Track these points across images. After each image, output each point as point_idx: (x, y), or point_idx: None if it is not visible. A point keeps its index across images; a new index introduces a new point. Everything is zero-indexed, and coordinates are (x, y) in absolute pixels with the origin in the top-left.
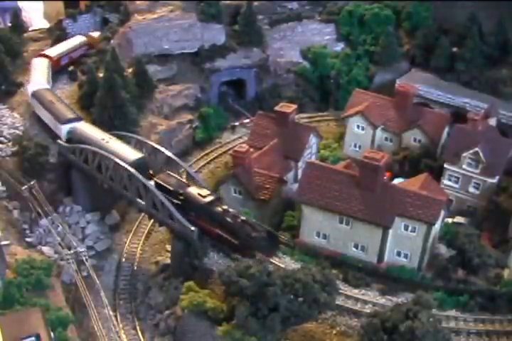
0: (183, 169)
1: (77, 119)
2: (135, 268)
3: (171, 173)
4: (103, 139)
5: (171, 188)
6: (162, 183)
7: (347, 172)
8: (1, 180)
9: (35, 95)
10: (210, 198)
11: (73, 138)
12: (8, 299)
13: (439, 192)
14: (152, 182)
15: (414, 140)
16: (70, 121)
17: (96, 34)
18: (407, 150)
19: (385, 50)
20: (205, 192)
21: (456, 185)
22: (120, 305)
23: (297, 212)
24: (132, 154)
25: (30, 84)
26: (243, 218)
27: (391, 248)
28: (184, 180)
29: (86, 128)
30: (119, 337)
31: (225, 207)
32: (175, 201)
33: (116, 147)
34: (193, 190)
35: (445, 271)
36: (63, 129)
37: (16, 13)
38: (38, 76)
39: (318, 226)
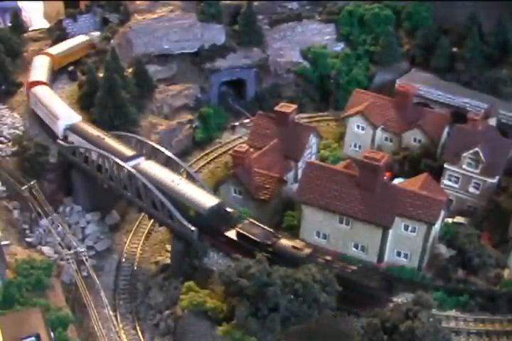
0: (183, 169)
1: (139, 156)
2: (135, 268)
3: (253, 221)
4: (173, 181)
5: (257, 240)
6: (246, 234)
7: (347, 172)
8: (1, 180)
9: (73, 131)
10: (307, 250)
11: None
12: (8, 299)
13: (439, 192)
14: (233, 233)
15: (414, 140)
16: (131, 158)
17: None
18: (407, 150)
19: (385, 50)
20: (299, 243)
21: (456, 185)
22: (120, 305)
23: (297, 212)
24: (208, 200)
25: (60, 119)
26: (353, 267)
27: (391, 248)
28: (269, 229)
29: (151, 167)
30: (119, 337)
31: (328, 257)
32: (262, 254)
33: (190, 191)
34: (286, 242)
35: (445, 271)
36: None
37: (16, 13)
38: (62, 108)
39: (318, 226)
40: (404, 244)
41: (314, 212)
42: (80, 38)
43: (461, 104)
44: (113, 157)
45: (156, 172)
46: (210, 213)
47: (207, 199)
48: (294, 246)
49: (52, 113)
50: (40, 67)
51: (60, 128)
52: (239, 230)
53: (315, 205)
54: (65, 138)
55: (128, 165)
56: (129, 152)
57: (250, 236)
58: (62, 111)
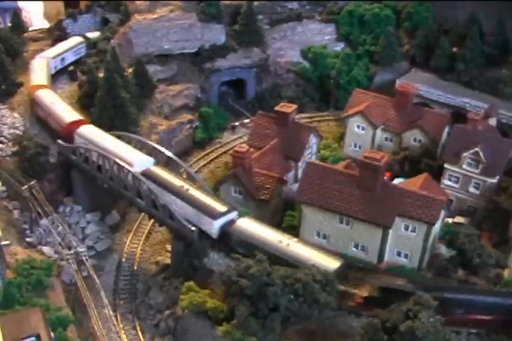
0: (183, 169)
1: (232, 211)
2: (135, 268)
3: (383, 272)
4: (281, 241)
5: (408, 291)
6: (394, 288)
7: (347, 172)
8: (1, 180)
9: (149, 177)
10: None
11: (231, 235)
12: (8, 299)
13: (439, 192)
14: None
15: (414, 140)
16: (222, 215)
17: None
18: (407, 150)
19: (385, 50)
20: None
21: (456, 185)
22: (120, 305)
23: (297, 212)
24: (329, 262)
25: (135, 165)
26: None
27: (391, 248)
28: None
29: (248, 226)
30: (119, 337)
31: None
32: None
33: (304, 252)
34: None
35: (445, 271)
36: (215, 225)
37: (16, 13)
38: (131, 151)
39: (318, 226)
40: (404, 244)
41: (314, 212)
42: (42, 62)
43: (461, 104)
44: (202, 215)
45: (257, 232)
46: (334, 275)
47: (328, 261)
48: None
49: (120, 158)
50: (61, 104)
51: (137, 169)
52: (380, 285)
53: (315, 205)
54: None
55: (219, 224)
56: (220, 207)
57: (401, 289)
58: (135, 156)
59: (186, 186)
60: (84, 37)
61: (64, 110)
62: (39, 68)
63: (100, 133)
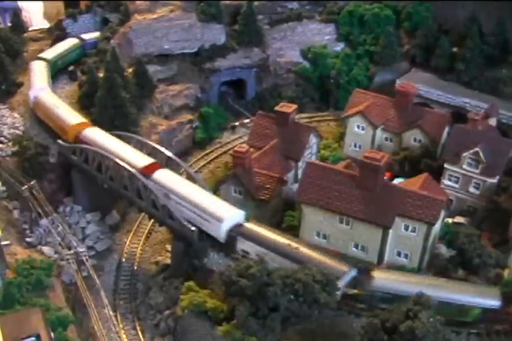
0: (183, 169)
1: (352, 268)
2: (135, 268)
3: None
4: (440, 283)
5: None
6: None
7: (347, 172)
8: (1, 180)
9: (244, 234)
10: None
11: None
12: (8, 299)
13: (439, 192)
14: None
15: (414, 140)
16: (345, 274)
17: None
18: (407, 150)
19: (385, 50)
20: None
21: (456, 185)
22: (120, 305)
23: (297, 212)
24: (490, 294)
25: (225, 220)
26: None
27: (391, 248)
28: None
29: (390, 280)
30: (119, 337)
31: None
32: None
33: (464, 289)
34: None
35: (445, 271)
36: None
37: (16, 13)
38: (219, 203)
39: (318, 226)
40: (404, 244)
41: (314, 212)
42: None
43: (461, 104)
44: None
45: (402, 289)
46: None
47: (488, 295)
48: None
49: (206, 212)
50: (124, 146)
51: (222, 231)
52: None
53: (315, 205)
54: (229, 245)
55: (341, 284)
56: (342, 266)
57: None
58: (224, 210)
59: (293, 244)
60: (44, 59)
61: (132, 153)
62: (57, 103)
63: (177, 178)
